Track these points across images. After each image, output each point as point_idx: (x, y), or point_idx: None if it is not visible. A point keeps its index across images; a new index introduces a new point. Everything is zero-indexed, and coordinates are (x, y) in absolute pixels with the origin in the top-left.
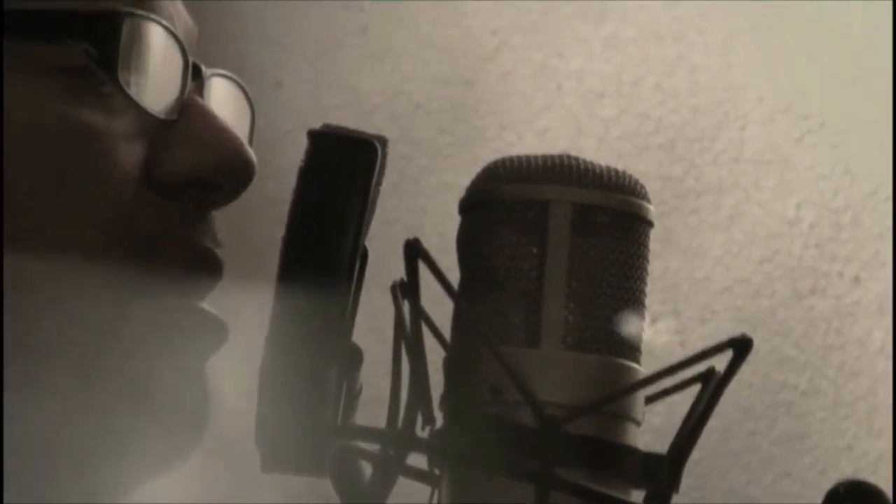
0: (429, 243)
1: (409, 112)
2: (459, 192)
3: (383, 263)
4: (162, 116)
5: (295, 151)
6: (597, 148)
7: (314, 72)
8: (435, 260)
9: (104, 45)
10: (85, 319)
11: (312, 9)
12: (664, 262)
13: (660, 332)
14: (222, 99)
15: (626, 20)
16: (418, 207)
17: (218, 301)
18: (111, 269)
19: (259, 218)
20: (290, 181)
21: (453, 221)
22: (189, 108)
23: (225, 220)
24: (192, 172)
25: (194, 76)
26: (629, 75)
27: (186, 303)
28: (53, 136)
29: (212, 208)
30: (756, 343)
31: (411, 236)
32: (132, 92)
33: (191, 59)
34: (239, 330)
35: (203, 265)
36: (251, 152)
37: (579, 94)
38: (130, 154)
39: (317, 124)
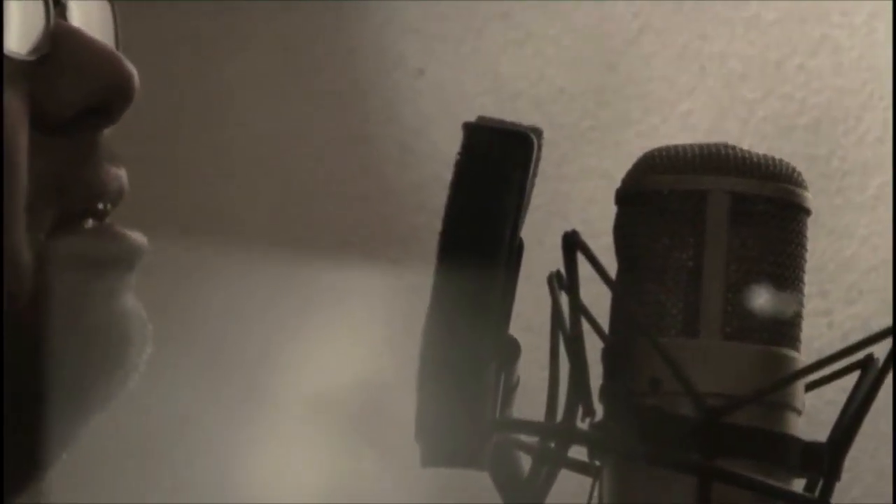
0: (572, 229)
1: (552, 97)
2: (603, 176)
3: (526, 249)
4: (33, 57)
5: (438, 138)
6: (741, 130)
7: (456, 58)
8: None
9: None
10: None
11: None
12: (810, 242)
13: (807, 314)
14: (85, 12)
15: (768, 1)
16: (562, 193)
17: (362, 285)
18: (14, 215)
19: (403, 205)
20: (433, 168)
21: (597, 207)
22: (60, 38)
23: (370, 207)
24: (78, 104)
25: (55, 2)
26: (773, 56)
27: (98, 227)
28: None
29: (101, 130)
30: None
31: (554, 222)
32: None
33: None
34: (386, 317)
35: (109, 189)
36: (130, 65)
37: (722, 76)
38: (13, 102)
39: (459, 111)
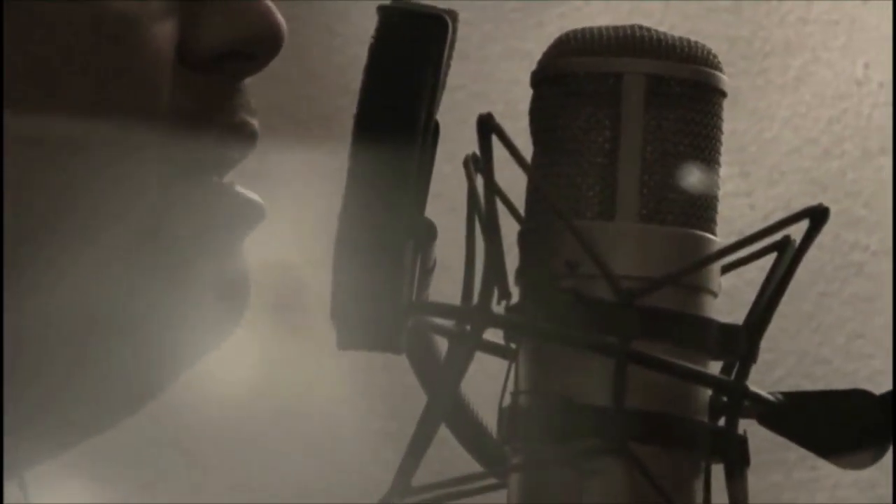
0: (494, 109)
1: None
2: (525, 57)
3: (448, 129)
4: None
5: (361, 20)
6: (663, 10)
7: None
8: (507, 134)
9: None
10: (124, 205)
11: None
12: (732, 124)
13: (728, 195)
14: None
15: None
16: (484, 73)
17: (285, 167)
18: (150, 153)
19: (326, 87)
20: (356, 50)
21: (519, 88)
22: None
23: (293, 90)
24: (226, 45)
25: None
26: None
27: (221, 187)
28: (85, 27)
29: (244, 77)
30: (826, 204)
31: (476, 103)
32: None
33: None
34: (308, 199)
35: (241, 137)
36: (280, 18)
37: None
38: (163, 35)
39: None
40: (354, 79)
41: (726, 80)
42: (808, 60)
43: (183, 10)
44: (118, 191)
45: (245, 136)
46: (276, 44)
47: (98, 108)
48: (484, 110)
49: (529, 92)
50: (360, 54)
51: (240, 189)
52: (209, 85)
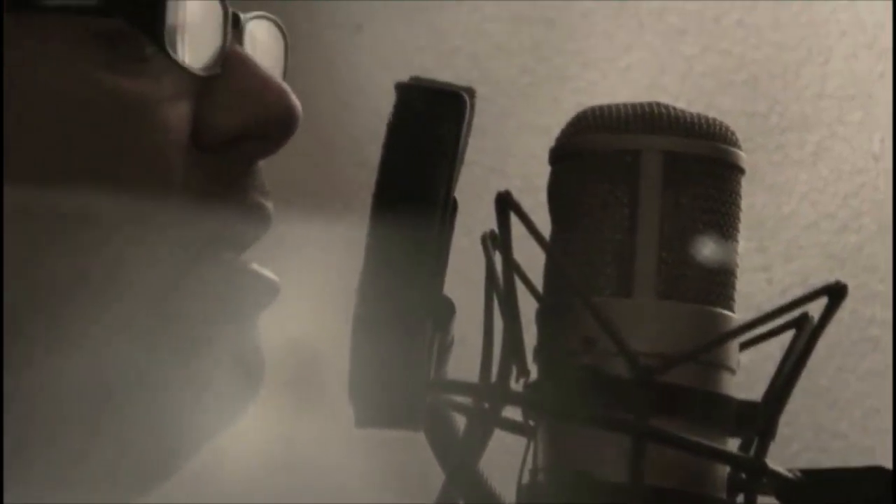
0: (511, 184)
1: (490, 53)
2: (541, 132)
3: (465, 204)
4: (206, 74)
5: (376, 94)
6: (680, 85)
7: (394, 13)
8: (525, 211)
9: (148, 12)
10: (140, 281)
11: None
12: (750, 198)
13: (746, 269)
14: (261, 42)
15: None
16: (500, 149)
17: (300, 242)
18: (165, 233)
19: (341, 162)
20: (371, 124)
21: (535, 162)
22: (231, 61)
23: (309, 163)
24: (239, 128)
25: (234, 24)
26: (711, 11)
27: (236, 264)
28: (99, 108)
29: (259, 159)
30: (843, 279)
31: (493, 178)
32: (177, 54)
33: (230, 9)
34: (325, 274)
35: (254, 219)
36: (296, 100)
37: (661, 32)
38: (177, 117)
39: (397, 67)
40: (369, 153)
41: (744, 156)
42: (825, 136)
43: (198, 92)
44: (129, 266)
45: (259, 217)
46: (290, 126)
47: (110, 185)
48: (500, 185)
49: (546, 167)
50: (374, 128)
51: (255, 266)
52: (223, 166)
